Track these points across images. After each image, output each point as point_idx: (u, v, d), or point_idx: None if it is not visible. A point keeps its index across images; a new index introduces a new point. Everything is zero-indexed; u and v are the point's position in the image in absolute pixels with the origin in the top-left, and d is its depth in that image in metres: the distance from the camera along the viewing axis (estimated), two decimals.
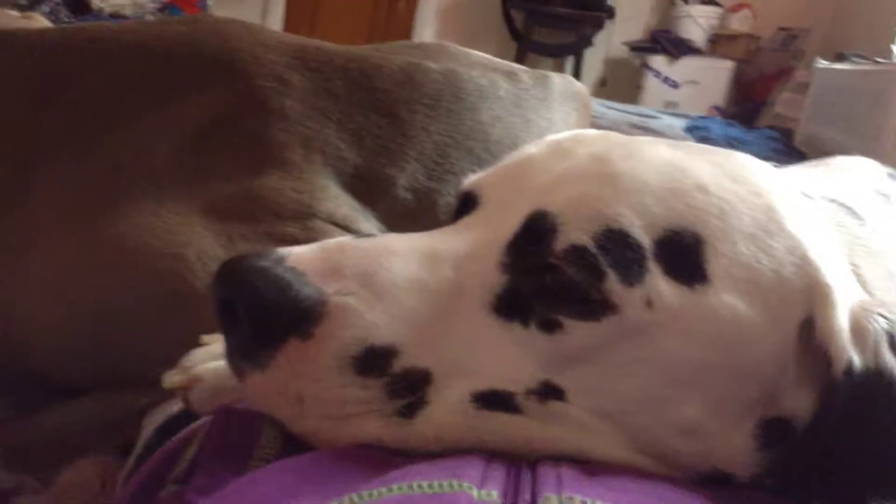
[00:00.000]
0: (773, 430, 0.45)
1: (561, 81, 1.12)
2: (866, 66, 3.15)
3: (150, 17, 3.76)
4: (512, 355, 0.44)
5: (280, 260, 0.44)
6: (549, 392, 0.44)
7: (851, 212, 0.58)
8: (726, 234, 0.45)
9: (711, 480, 0.45)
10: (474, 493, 0.36)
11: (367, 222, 0.90)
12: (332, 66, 0.90)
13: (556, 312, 0.44)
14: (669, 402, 0.44)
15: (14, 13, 1.35)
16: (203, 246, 0.78)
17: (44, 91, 0.89)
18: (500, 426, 0.44)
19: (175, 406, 0.73)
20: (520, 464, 0.42)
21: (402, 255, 0.46)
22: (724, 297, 0.44)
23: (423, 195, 0.93)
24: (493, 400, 0.44)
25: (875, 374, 0.43)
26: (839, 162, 0.87)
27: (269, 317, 0.43)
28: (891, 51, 3.88)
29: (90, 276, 0.78)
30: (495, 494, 0.37)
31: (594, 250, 0.43)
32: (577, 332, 0.43)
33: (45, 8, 3.46)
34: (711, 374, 0.44)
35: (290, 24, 5.20)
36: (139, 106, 0.86)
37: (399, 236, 0.49)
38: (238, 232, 0.80)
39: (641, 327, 0.43)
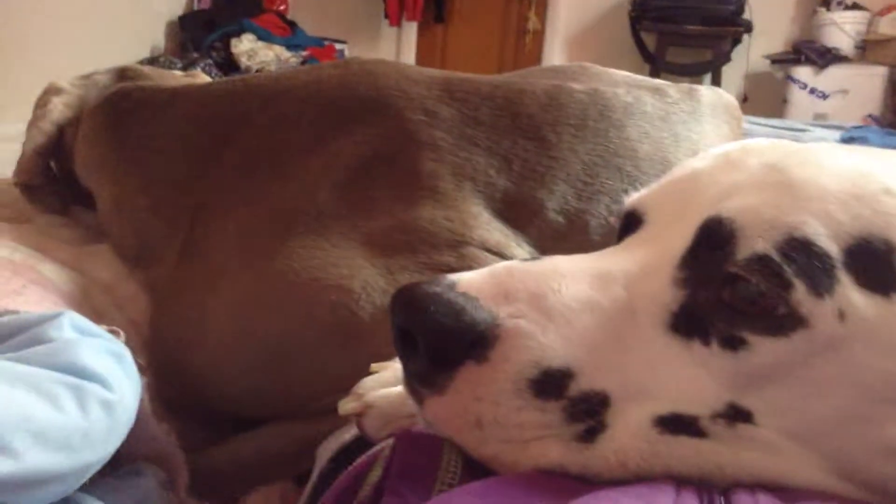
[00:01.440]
0: None
1: (709, 94, 1.09)
2: None
3: None
4: (693, 376, 0.43)
5: (452, 286, 0.45)
6: (736, 414, 0.42)
7: None
8: None
9: None
10: None
11: (519, 247, 0.90)
12: (479, 95, 0.92)
13: (740, 328, 0.42)
14: (870, 421, 0.41)
15: (178, 73, 1.48)
16: (366, 278, 0.82)
17: (214, 141, 0.97)
18: (686, 451, 0.42)
19: (348, 434, 0.76)
20: (712, 491, 0.40)
21: (572, 275, 0.46)
22: None
23: (573, 216, 0.92)
24: (677, 424, 0.43)
25: None
26: None
27: (445, 342, 0.44)
28: None
29: (265, 310, 0.84)
30: None
31: (779, 259, 0.41)
32: (764, 349, 0.41)
33: (197, 68, 3.77)
34: None
35: (422, 65, 5.37)
36: (300, 147, 0.91)
37: (566, 258, 0.48)
38: (397, 263, 0.83)
39: (834, 342, 0.41)
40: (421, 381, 0.46)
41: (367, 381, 0.67)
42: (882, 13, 4.77)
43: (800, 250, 0.41)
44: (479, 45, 5.43)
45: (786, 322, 0.41)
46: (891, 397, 0.40)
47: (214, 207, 0.94)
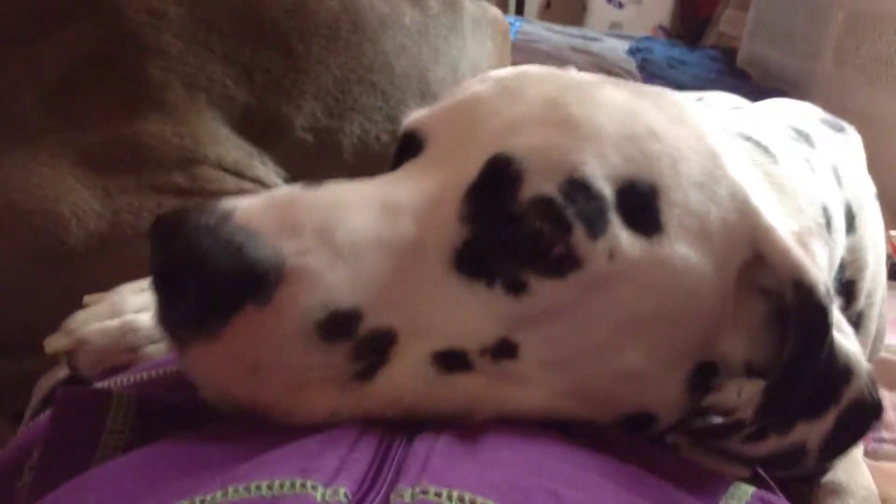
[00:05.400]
0: (703, 374, 0.48)
1: (472, 7, 1.09)
2: None
3: None
4: (474, 315, 0.44)
5: (226, 216, 0.40)
6: (503, 349, 0.44)
7: (766, 150, 0.60)
8: (679, 183, 0.46)
9: (633, 422, 0.48)
10: (318, 493, 0.35)
11: (263, 167, 0.87)
12: None
13: (522, 271, 0.43)
14: (617, 350, 0.45)
15: None
16: (77, 200, 0.75)
17: None
18: (452, 388, 0.44)
19: (62, 372, 0.71)
20: (395, 435, 0.42)
21: (359, 207, 0.44)
22: (677, 247, 0.45)
23: (324, 135, 0.90)
24: (450, 359, 0.44)
25: (812, 308, 0.45)
26: (776, 103, 0.89)
27: (221, 286, 0.39)
28: None
29: None
30: (344, 492, 0.35)
31: (561, 202, 0.43)
32: (544, 290, 0.43)
33: None
34: (660, 323, 0.46)
35: None
36: (1, 46, 0.80)
37: (351, 185, 0.46)
38: (117, 184, 0.77)
39: (602, 281, 0.44)
40: (187, 326, 0.41)
41: (80, 315, 0.63)
42: None
43: (579, 192, 0.43)
44: None
45: (563, 263, 0.43)
46: (638, 329, 0.45)
47: None
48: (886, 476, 0.79)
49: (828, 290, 0.46)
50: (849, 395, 0.47)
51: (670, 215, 0.45)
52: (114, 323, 0.62)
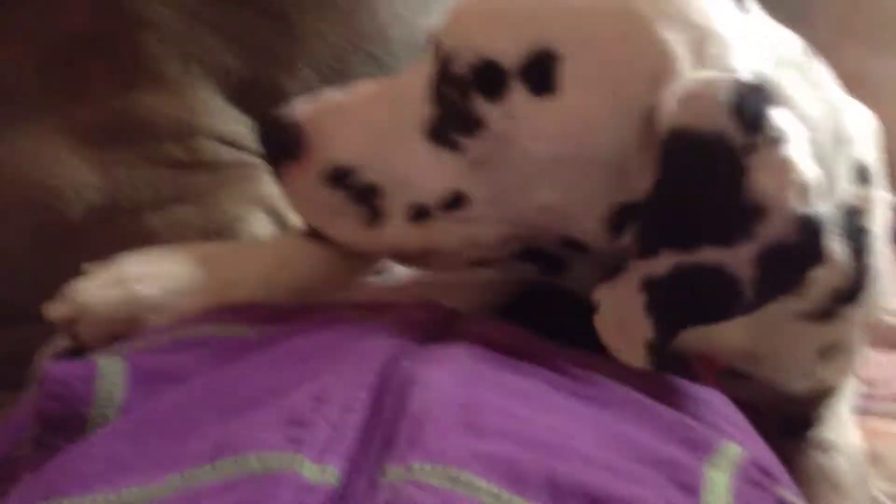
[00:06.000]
0: (625, 215, 0.54)
1: None
2: None
3: None
4: (435, 172, 0.58)
5: (290, 111, 0.62)
6: (457, 199, 0.58)
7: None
8: (584, 45, 0.54)
9: (571, 247, 0.58)
10: (307, 470, 0.35)
11: None
12: None
13: (456, 134, 0.57)
14: (534, 188, 0.56)
15: None
16: (76, 175, 0.75)
17: None
18: (423, 232, 0.59)
19: (64, 341, 0.72)
20: (387, 387, 0.43)
21: (366, 100, 0.62)
22: (573, 104, 0.54)
23: None
24: (418, 211, 0.59)
25: (705, 139, 0.49)
26: None
27: (274, 150, 0.64)
28: None
29: None
30: (332, 471, 0.36)
31: (469, 78, 0.56)
32: (469, 146, 0.57)
33: None
34: (562, 166, 0.55)
35: None
36: None
37: (369, 83, 0.64)
38: (113, 157, 0.77)
39: (506, 136, 0.55)
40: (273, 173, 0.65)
41: (81, 284, 0.63)
42: None
43: (484, 69, 0.55)
44: None
45: (474, 124, 0.56)
46: (544, 171, 0.55)
47: None
48: (876, 433, 0.80)
49: (722, 137, 0.49)
50: (765, 232, 0.48)
51: (571, 74, 0.54)
52: (115, 291, 0.62)
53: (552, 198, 0.56)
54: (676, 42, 0.52)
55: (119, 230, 0.77)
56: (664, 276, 0.49)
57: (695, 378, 0.56)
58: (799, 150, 0.49)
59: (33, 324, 0.77)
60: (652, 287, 0.50)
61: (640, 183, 0.51)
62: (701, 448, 0.45)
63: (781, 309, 0.56)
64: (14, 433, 0.47)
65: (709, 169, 0.49)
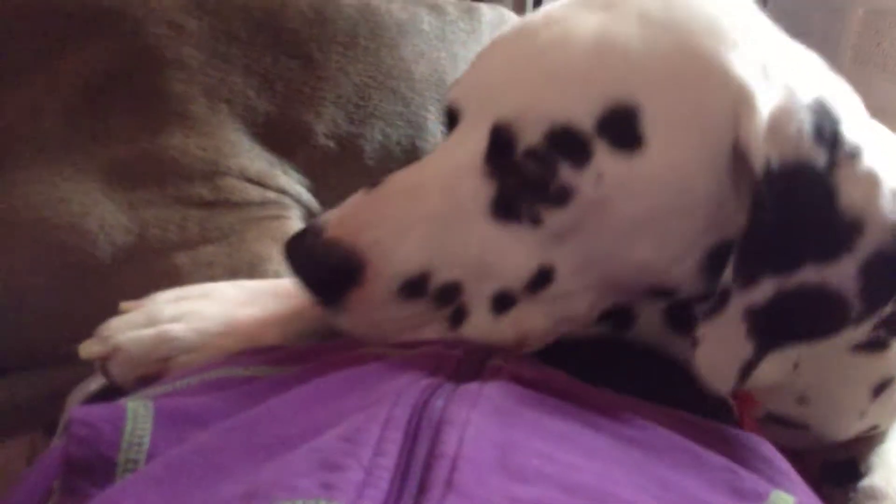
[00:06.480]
0: (720, 254, 0.53)
1: (491, 13, 1.09)
2: None
3: None
4: (514, 250, 0.54)
5: (319, 231, 0.55)
6: (543, 275, 0.54)
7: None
8: (660, 94, 0.51)
9: (656, 295, 0.56)
10: None
11: (286, 175, 0.87)
12: (231, 7, 0.86)
13: (536, 207, 0.53)
14: (628, 248, 0.53)
15: None
16: (104, 214, 0.75)
17: None
18: (509, 321, 0.55)
19: (95, 382, 0.72)
20: (420, 427, 0.41)
21: (415, 191, 0.56)
22: (663, 154, 0.51)
23: (345, 141, 0.90)
24: (503, 300, 0.54)
25: (795, 167, 0.49)
26: None
27: (325, 284, 0.55)
28: None
29: None
30: None
31: (546, 148, 0.52)
32: (554, 219, 0.53)
33: None
34: (660, 218, 0.52)
35: None
36: (21, 64, 0.81)
37: (401, 174, 0.57)
38: (142, 198, 0.77)
39: (599, 199, 0.52)
40: (326, 306, 0.56)
41: (114, 322, 0.63)
42: None
43: (561, 135, 0.52)
44: None
45: (561, 194, 0.52)
46: (635, 230, 0.53)
47: None
48: None
49: (801, 156, 0.49)
50: (865, 244, 0.49)
51: (654, 127, 0.51)
52: (149, 331, 0.62)
53: (649, 253, 0.53)
54: (746, 70, 0.52)
55: (147, 270, 0.77)
56: (766, 302, 0.50)
57: (738, 423, 0.55)
58: (877, 159, 0.50)
59: (63, 366, 0.77)
60: (754, 314, 0.50)
61: (737, 218, 0.51)
62: (750, 498, 0.43)
63: (833, 341, 0.55)
64: (44, 479, 0.47)
65: (803, 193, 0.49)
